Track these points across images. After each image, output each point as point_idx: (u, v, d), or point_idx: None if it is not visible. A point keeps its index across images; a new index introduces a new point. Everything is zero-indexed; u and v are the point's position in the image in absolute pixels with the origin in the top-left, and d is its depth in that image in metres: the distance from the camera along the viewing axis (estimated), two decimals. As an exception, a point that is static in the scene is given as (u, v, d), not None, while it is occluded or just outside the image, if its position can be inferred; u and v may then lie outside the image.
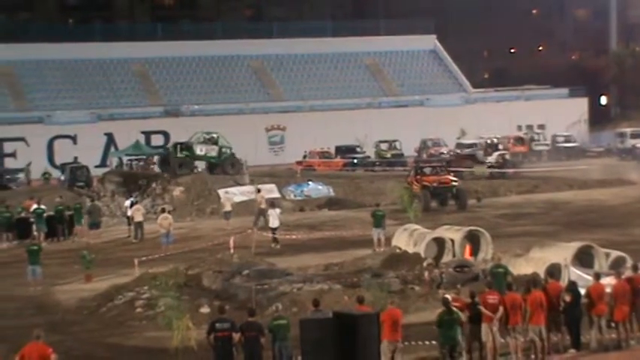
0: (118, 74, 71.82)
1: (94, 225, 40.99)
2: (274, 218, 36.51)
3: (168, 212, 38.50)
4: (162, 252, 33.59)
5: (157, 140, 67.48)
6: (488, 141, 59.84)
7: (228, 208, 42.82)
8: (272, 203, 39.26)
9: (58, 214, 40.50)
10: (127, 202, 42.27)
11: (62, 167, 58.00)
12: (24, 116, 66.26)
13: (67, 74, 70.36)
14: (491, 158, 57.02)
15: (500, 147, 58.91)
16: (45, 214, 39.79)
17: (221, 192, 47.42)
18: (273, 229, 36.27)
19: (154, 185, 49.06)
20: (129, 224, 40.57)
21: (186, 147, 53.25)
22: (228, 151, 54.17)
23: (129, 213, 40.67)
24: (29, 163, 60.70)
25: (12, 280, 30.99)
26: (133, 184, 49.06)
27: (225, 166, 52.92)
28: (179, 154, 52.63)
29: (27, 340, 17.55)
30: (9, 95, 68.28)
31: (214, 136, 54.65)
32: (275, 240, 35.94)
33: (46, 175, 59.55)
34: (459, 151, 61.57)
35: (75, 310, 26.46)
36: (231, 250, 31.99)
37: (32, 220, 39.59)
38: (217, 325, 18.43)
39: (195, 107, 70.24)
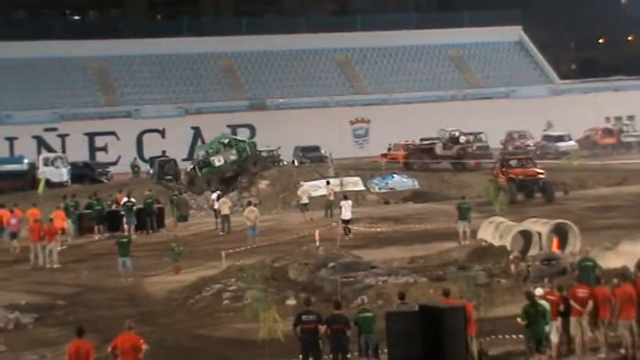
0: (204, 69, 72.69)
1: (182, 218, 41.64)
2: (346, 210, 36.68)
3: (255, 205, 38.89)
4: (248, 244, 33.97)
5: (243, 133, 68.10)
6: (449, 135, 57.08)
7: (305, 200, 43.16)
8: (345, 195, 39.39)
9: (147, 207, 41.23)
10: (214, 195, 42.79)
11: (151, 161, 59.02)
12: (114, 111, 67.56)
13: (155, 69, 71.51)
14: (451, 152, 55.49)
15: (463, 139, 56.38)
16: (135, 207, 40.53)
17: (306, 185, 47.70)
18: (346, 221, 36.42)
19: (240, 178, 49.61)
20: (216, 217, 41.11)
21: (205, 164, 50.77)
22: (248, 148, 51.83)
23: (216, 206, 41.20)
24: (135, 158, 61.77)
25: (103, 271, 31.67)
26: (219, 178, 49.66)
27: (248, 166, 50.43)
28: (201, 173, 50.04)
29: (119, 331, 18.01)
30: (100, 90, 69.70)
31: (226, 141, 52.93)
32: (347, 231, 36.04)
33: (135, 169, 60.70)
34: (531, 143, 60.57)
35: (164, 302, 26.92)
36: (317, 243, 32.18)
37: (122, 213, 40.35)
38: (303, 317, 18.59)
39: (280, 101, 70.71)
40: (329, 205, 42.30)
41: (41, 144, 64.27)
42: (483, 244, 29.23)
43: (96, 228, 40.40)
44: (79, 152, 62.26)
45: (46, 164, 55.98)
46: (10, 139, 63.63)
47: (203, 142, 64.99)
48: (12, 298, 27.21)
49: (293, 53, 74.86)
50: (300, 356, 18.58)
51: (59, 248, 34.10)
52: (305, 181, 48.17)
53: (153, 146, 64.29)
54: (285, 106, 69.82)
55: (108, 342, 17.88)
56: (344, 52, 75.87)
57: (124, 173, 60.11)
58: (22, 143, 63.11)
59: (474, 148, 56.08)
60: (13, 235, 36.26)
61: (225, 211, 39.84)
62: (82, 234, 40.03)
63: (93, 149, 65.69)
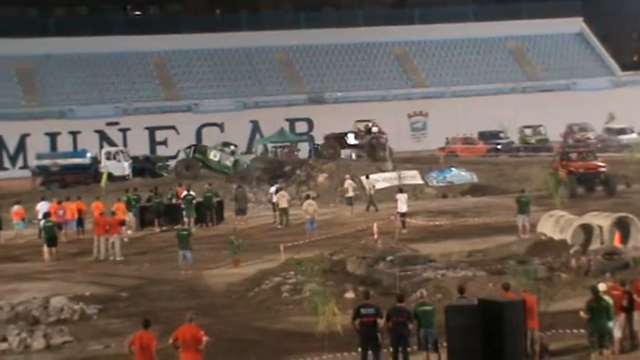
0: (262, 63, 72.99)
1: (241, 211, 41.97)
2: (402, 203, 36.70)
3: (313, 198, 39.07)
4: (307, 238, 34.15)
5: (301, 127, 68.34)
6: (364, 126, 57.45)
7: (350, 193, 43.36)
8: (400, 189, 39.39)
9: (207, 201, 41.63)
10: (272, 189, 43.04)
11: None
12: (174, 105, 68.19)
13: (214, 64, 71.98)
14: (362, 141, 55.84)
15: (375, 130, 56.45)
16: (194, 201, 40.94)
17: (363, 179, 47.74)
18: (402, 214, 36.43)
19: (298, 172, 49.85)
20: (274, 210, 41.37)
21: (200, 151, 52.52)
22: (245, 165, 53.58)
23: (274, 199, 41.46)
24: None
25: (164, 264, 32.08)
26: (277, 171, 49.99)
27: (234, 177, 50.80)
28: (192, 155, 52.09)
29: (180, 323, 18.29)
30: (160, 85, 70.39)
31: (232, 148, 54.18)
32: (403, 224, 36.03)
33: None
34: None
35: (224, 294, 27.20)
36: (375, 236, 32.24)
37: (182, 206, 40.79)
38: (362, 310, 18.67)
39: (338, 94, 70.77)
40: (371, 200, 42.59)
41: (103, 138, 65.14)
42: (543, 237, 29.04)
43: (156, 221, 40.91)
44: (139, 146, 62.97)
45: (108, 158, 56.76)
46: (74, 134, 64.60)
47: (261, 135, 65.46)
48: (77, 290, 27.73)
49: (351, 47, 74.79)
50: (359, 349, 18.67)
51: (122, 240, 34.64)
52: (363, 174, 48.25)
53: (212, 140, 64.76)
54: (343, 100, 69.83)
55: (169, 333, 18.17)
56: (402, 45, 75.65)
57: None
58: (85, 137, 64.05)
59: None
60: (59, 227, 36.74)
61: (284, 204, 40.08)
62: (142, 227, 40.56)
63: (153, 143, 66.38)
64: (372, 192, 43.33)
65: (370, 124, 56.75)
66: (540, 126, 65.44)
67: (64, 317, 24.44)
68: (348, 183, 44.30)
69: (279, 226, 39.68)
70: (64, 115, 65.60)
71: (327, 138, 57.61)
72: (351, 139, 56.42)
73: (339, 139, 56.73)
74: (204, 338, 17.58)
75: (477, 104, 68.44)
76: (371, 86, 71.88)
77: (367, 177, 45.02)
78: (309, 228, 36.07)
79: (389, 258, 27.37)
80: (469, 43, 76.19)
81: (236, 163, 53.73)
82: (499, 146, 62.05)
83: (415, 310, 18.92)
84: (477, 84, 72.44)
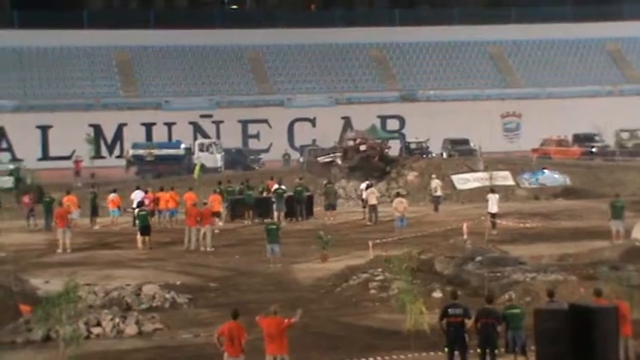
0: (356, 59, 73.13)
1: (331, 206, 42.15)
2: (493, 204, 36.40)
3: (403, 196, 39.01)
4: (395, 235, 34.14)
5: (393, 125, 68.34)
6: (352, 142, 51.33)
7: (438, 192, 43.13)
8: (492, 189, 39.05)
9: (297, 195, 41.93)
10: (363, 185, 43.12)
11: (301, 149, 59.90)
12: (267, 99, 68.87)
13: (309, 59, 72.40)
14: (352, 162, 49.34)
15: (363, 149, 49.53)
16: (285, 195, 41.28)
17: (454, 178, 47.54)
18: (492, 215, 36.13)
19: (388, 169, 49.82)
20: (364, 207, 41.45)
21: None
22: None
23: (364, 196, 41.54)
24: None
25: (253, 256, 32.42)
26: (368, 168, 49.97)
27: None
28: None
29: (267, 315, 18.49)
30: (254, 79, 71.15)
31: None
32: (493, 225, 35.70)
33: (285, 157, 61.74)
34: None
35: (311, 289, 27.36)
36: (465, 236, 32.07)
37: (273, 200, 41.16)
38: (450, 310, 18.61)
39: (430, 92, 70.50)
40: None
41: (197, 130, 66.17)
42: (637, 244, 28.50)
43: (246, 214, 41.37)
44: (232, 139, 63.76)
45: (201, 150, 57.64)
46: (169, 125, 65.78)
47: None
48: (168, 278, 28.24)
49: (445, 45, 74.42)
50: (446, 349, 18.63)
51: (213, 232, 35.14)
52: (453, 174, 48.01)
53: (303, 135, 65.21)
54: (435, 98, 69.57)
55: (257, 325, 18.38)
56: (497, 44, 74.97)
57: (275, 161, 61.22)
58: (180, 129, 65.16)
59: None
60: (153, 216, 37.29)
61: (373, 201, 40.14)
62: (233, 219, 41.08)
63: (246, 136, 67.16)
64: (439, 193, 43.09)
65: (358, 141, 50.84)
66: (638, 130, 64.09)
67: (156, 305, 24.92)
68: (436, 182, 44.14)
69: (368, 223, 39.74)
70: (160, 106, 66.84)
71: (310, 161, 53.37)
72: (339, 161, 50.35)
73: (327, 165, 51.06)
74: (293, 319, 17.75)
75: (573, 106, 67.47)
76: (464, 85, 71.44)
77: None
78: (399, 225, 36.08)
79: (478, 259, 27.20)
80: (566, 44, 75.11)
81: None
82: (594, 149, 60.99)
83: (504, 312, 18.80)
84: (573, 86, 71.40)
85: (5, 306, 23.29)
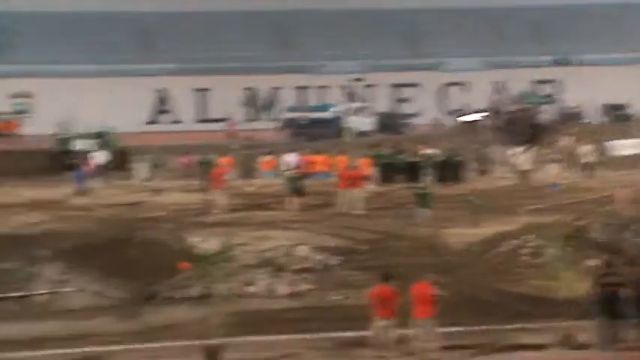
0: (510, 23, 71.81)
1: (483, 171, 41.75)
2: None
3: (556, 162, 38.26)
4: (549, 201, 33.56)
5: (547, 90, 66.98)
6: None
7: (590, 158, 41.84)
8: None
9: (448, 159, 41.69)
10: (517, 150, 42.45)
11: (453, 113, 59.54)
12: (419, 63, 68.54)
13: (461, 22, 71.53)
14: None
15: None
16: (436, 159, 41.12)
17: (611, 144, 46.26)
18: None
19: (537, 134, 48.90)
20: (516, 172, 40.87)
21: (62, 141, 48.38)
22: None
23: (516, 160, 40.95)
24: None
25: (404, 220, 32.39)
26: (522, 133, 49.23)
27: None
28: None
29: (419, 279, 18.61)
30: (407, 42, 70.87)
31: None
32: None
33: (436, 121, 61.42)
34: None
35: (462, 254, 27.19)
36: (622, 204, 31.21)
37: (423, 164, 41.07)
38: (605, 278, 18.29)
39: (585, 57, 68.60)
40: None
41: (349, 94, 66.53)
42: None
43: (397, 178, 41.42)
44: (384, 103, 63.85)
45: (353, 113, 57.92)
46: (322, 88, 66.41)
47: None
48: (319, 241, 28.58)
49: (603, 7, 72.12)
50: (600, 318, 18.31)
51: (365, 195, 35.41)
52: (608, 139, 46.74)
53: (456, 99, 64.68)
54: (591, 62, 67.64)
55: (406, 289, 18.51)
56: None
57: (426, 125, 60.99)
58: (332, 92, 65.70)
59: None
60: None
61: (526, 166, 39.52)
62: (384, 183, 41.23)
63: (397, 100, 67.12)
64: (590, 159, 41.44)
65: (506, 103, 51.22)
66: None
67: (308, 266, 25.34)
68: (587, 148, 43.02)
69: (520, 188, 39.19)
70: (313, 69, 67.49)
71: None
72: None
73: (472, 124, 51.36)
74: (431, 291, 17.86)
75: None
76: (622, 49, 69.10)
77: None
78: (552, 189, 35.46)
79: (635, 226, 26.49)
80: None
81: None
82: None
83: (661, 282, 18.33)
84: None
85: (165, 263, 24.19)
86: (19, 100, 65.89)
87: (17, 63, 65.48)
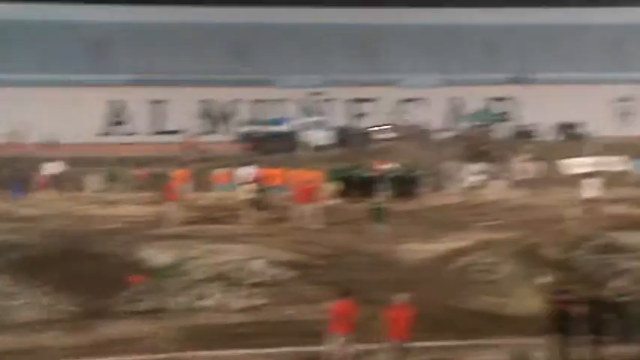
0: (467, 40, 72.32)
1: (437, 187, 41.88)
2: (591, 188, 35.54)
3: (504, 178, 38.58)
4: (500, 219, 33.78)
5: (502, 107, 67.61)
6: None
7: (525, 175, 42.30)
8: (590, 174, 38.11)
9: (404, 175, 41.77)
10: (471, 167, 42.69)
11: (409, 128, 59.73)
12: (377, 78, 68.68)
13: (419, 39, 71.75)
14: None
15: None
16: (392, 175, 41.19)
17: (564, 162, 46.61)
18: (590, 200, 35.21)
19: (496, 152, 49.29)
20: (467, 188, 41.10)
21: None
22: None
23: (470, 178, 41.22)
24: None
25: (359, 235, 32.24)
26: (475, 150, 49.60)
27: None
28: None
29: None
30: (364, 57, 70.90)
31: None
32: (591, 210, 34.74)
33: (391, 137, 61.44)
34: None
35: (416, 270, 27.25)
36: (573, 222, 31.51)
37: (380, 179, 41.11)
38: (557, 296, 18.44)
39: (541, 75, 69.32)
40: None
41: (306, 108, 66.55)
42: None
43: (353, 193, 41.38)
44: (341, 117, 63.91)
45: (309, 128, 57.91)
46: (279, 102, 66.31)
47: (462, 114, 65.10)
48: (275, 255, 28.47)
49: (558, 28, 72.98)
50: (552, 335, 18.43)
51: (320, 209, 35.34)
52: (561, 158, 47.17)
53: (412, 115, 65.00)
54: (546, 81, 68.39)
55: (361, 304, 18.46)
56: (612, 28, 73.09)
57: (383, 140, 61.08)
58: (289, 106, 65.69)
59: None
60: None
61: (474, 183, 39.91)
62: (341, 197, 41.17)
63: (354, 115, 67.25)
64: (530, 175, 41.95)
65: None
66: None
67: (262, 280, 25.21)
68: (523, 165, 43.42)
69: (471, 205, 39.43)
70: (271, 83, 67.39)
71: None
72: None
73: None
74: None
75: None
76: (577, 68, 69.91)
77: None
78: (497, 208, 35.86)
79: (587, 244, 26.76)
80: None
81: None
82: None
83: (613, 299, 18.50)
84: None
85: (117, 276, 23.94)
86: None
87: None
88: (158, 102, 66.31)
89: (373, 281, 25.19)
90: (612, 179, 43.74)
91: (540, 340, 19.26)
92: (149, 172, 42.95)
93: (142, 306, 22.36)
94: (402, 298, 17.92)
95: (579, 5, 72.27)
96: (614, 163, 47.01)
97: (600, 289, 18.93)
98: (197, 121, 61.98)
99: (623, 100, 69.07)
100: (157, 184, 39.83)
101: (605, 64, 71.46)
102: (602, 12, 71.97)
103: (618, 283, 23.30)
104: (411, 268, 27.50)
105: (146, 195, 40.63)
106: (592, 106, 63.26)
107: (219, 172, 41.38)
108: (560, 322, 18.12)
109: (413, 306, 17.89)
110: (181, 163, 43.99)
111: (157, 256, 26.36)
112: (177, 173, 39.15)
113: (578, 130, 58.01)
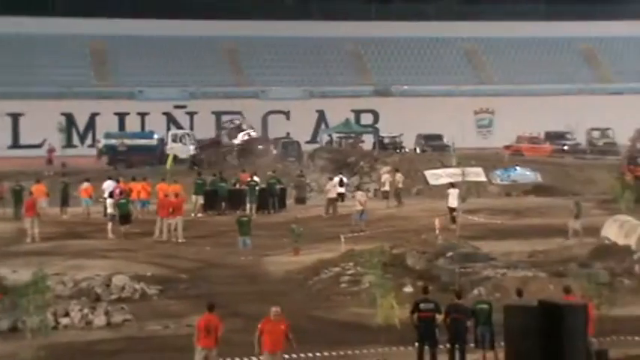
0: (331, 52, 73.00)
1: (300, 200, 42.09)
2: (453, 198, 36.50)
3: (364, 190, 39.01)
4: (368, 229, 34.15)
5: (367, 119, 68.40)
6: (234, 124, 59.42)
7: (386, 187, 43.08)
8: (452, 184, 39.12)
9: (269, 188, 41.81)
10: (336, 180, 43.02)
11: (275, 142, 59.79)
12: (241, 91, 68.61)
13: (283, 51, 72.05)
14: (237, 140, 56.93)
15: (244, 127, 58.26)
16: (257, 187, 41.15)
17: (428, 173, 47.60)
18: (452, 209, 36.16)
19: (362, 163, 49.86)
20: (337, 200, 41.33)
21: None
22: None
23: (327, 187, 41.54)
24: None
25: (225, 248, 32.33)
26: (341, 162, 50.04)
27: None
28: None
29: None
30: (228, 70, 70.84)
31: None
32: (453, 220, 35.72)
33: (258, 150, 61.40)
34: None
35: (282, 282, 27.33)
36: (437, 232, 32.13)
37: (245, 192, 41.03)
38: (421, 305, 18.67)
39: (404, 88, 70.56)
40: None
41: (170, 120, 65.86)
42: (606, 242, 28.70)
43: (219, 205, 41.19)
44: (206, 130, 63.47)
45: (174, 140, 57.35)
46: (142, 115, 65.39)
47: (327, 125, 65.56)
48: (138, 269, 28.06)
49: (420, 40, 74.51)
50: (416, 344, 18.66)
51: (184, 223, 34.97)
52: (425, 169, 48.13)
53: (277, 127, 65.05)
54: (409, 94, 69.64)
55: (227, 317, 18.32)
56: (471, 41, 75.10)
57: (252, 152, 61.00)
58: (153, 119, 64.80)
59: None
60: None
61: (332, 194, 40.31)
62: (205, 211, 40.91)
63: (220, 127, 66.87)
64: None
65: (238, 121, 59.06)
66: (608, 129, 64.54)
67: (125, 296, 24.78)
68: (385, 177, 44.16)
69: (324, 216, 39.72)
70: (133, 96, 66.46)
71: (202, 144, 58.15)
72: (225, 139, 57.92)
73: (216, 142, 58.29)
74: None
75: (545, 104, 67.76)
76: (438, 81, 71.48)
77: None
78: (357, 218, 36.19)
79: (449, 254, 27.28)
80: (539, 42, 75.23)
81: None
82: (565, 147, 61.33)
83: (473, 307, 18.87)
84: (546, 83, 71.62)
85: (-28, 295, 23.05)
86: None
87: None
88: (15, 115, 64.38)
89: (239, 294, 25.05)
90: (473, 189, 45.09)
91: (405, 350, 19.50)
92: (7, 187, 41.56)
93: (0, 325, 21.60)
94: (277, 310, 17.81)
95: (441, 19, 74.05)
96: (475, 174, 48.31)
97: (461, 297, 19.22)
98: (57, 134, 60.39)
99: (481, 112, 70.94)
100: (16, 199, 38.70)
101: (466, 77, 73.39)
102: (463, 26, 73.83)
103: (477, 292, 23.82)
104: (277, 280, 27.53)
105: (4, 211, 39.44)
106: (453, 118, 64.71)
107: (83, 187, 40.43)
108: (424, 331, 18.36)
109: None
110: (40, 178, 42.75)
111: (16, 273, 25.57)
112: (36, 187, 38.06)
113: (442, 142, 59.22)
